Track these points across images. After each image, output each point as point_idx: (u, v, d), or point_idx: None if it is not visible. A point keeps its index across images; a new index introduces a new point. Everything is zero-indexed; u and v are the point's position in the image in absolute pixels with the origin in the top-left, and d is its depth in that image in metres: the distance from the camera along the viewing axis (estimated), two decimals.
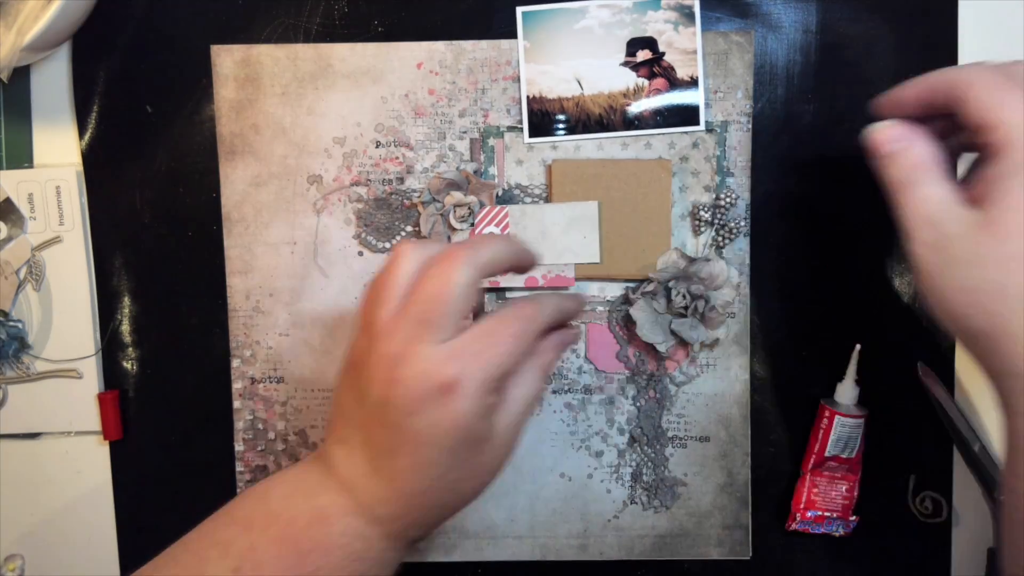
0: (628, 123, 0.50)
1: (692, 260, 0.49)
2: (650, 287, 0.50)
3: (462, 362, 0.35)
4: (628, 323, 0.52)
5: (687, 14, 0.50)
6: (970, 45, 0.52)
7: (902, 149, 0.38)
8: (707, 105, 0.51)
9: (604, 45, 0.50)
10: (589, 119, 0.50)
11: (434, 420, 0.35)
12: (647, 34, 0.50)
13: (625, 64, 0.50)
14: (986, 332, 0.34)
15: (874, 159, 0.40)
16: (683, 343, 0.51)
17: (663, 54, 0.50)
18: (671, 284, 0.50)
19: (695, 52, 0.50)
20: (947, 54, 0.52)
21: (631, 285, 0.52)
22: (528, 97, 0.51)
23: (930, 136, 0.39)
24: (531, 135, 0.51)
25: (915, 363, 0.52)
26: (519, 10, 0.50)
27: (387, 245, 0.53)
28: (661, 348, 0.51)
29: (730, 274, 0.51)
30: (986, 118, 0.35)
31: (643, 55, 0.50)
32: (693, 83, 0.50)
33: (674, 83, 0.50)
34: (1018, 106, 0.34)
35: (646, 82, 0.50)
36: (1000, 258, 0.33)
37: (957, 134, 0.40)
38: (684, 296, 0.49)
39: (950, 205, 0.36)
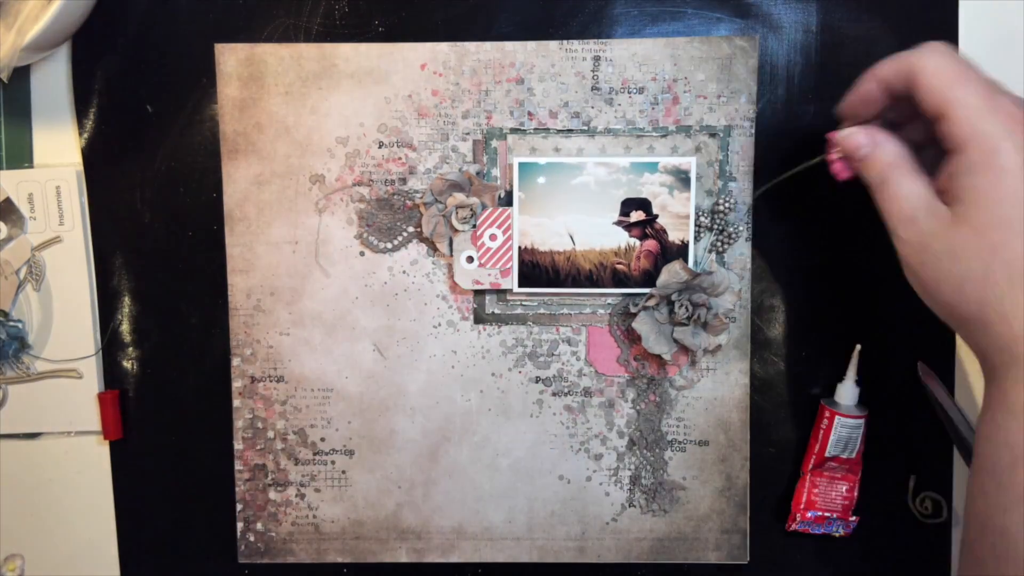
0: (618, 281, 0.51)
1: (695, 274, 0.49)
2: (651, 301, 0.50)
3: None
4: (629, 327, 0.52)
5: (683, 179, 0.50)
6: (970, 45, 0.52)
7: (872, 151, 0.41)
8: (710, 110, 0.51)
9: (599, 202, 0.51)
10: (579, 274, 0.51)
11: None
12: (642, 195, 0.51)
13: (618, 223, 0.51)
14: (976, 317, 0.36)
15: (847, 162, 0.43)
16: (685, 348, 0.51)
17: (656, 216, 0.51)
18: (673, 296, 0.50)
19: (688, 217, 0.51)
20: None
21: (632, 298, 0.52)
22: (520, 248, 0.51)
23: (894, 136, 0.41)
24: (520, 285, 0.52)
25: (915, 363, 0.53)
26: (515, 160, 0.51)
27: (389, 245, 0.53)
28: (667, 357, 0.51)
29: (731, 281, 0.51)
30: (941, 109, 0.36)
31: (637, 216, 0.51)
32: (684, 248, 0.51)
33: (665, 246, 0.51)
34: (970, 100, 0.36)
35: (638, 243, 0.51)
36: (978, 250, 0.35)
37: (917, 120, 0.41)
38: (687, 308, 0.50)
39: (924, 201, 0.38)
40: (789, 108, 0.52)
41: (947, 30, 0.52)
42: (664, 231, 0.51)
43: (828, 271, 0.53)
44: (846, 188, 0.53)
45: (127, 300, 0.54)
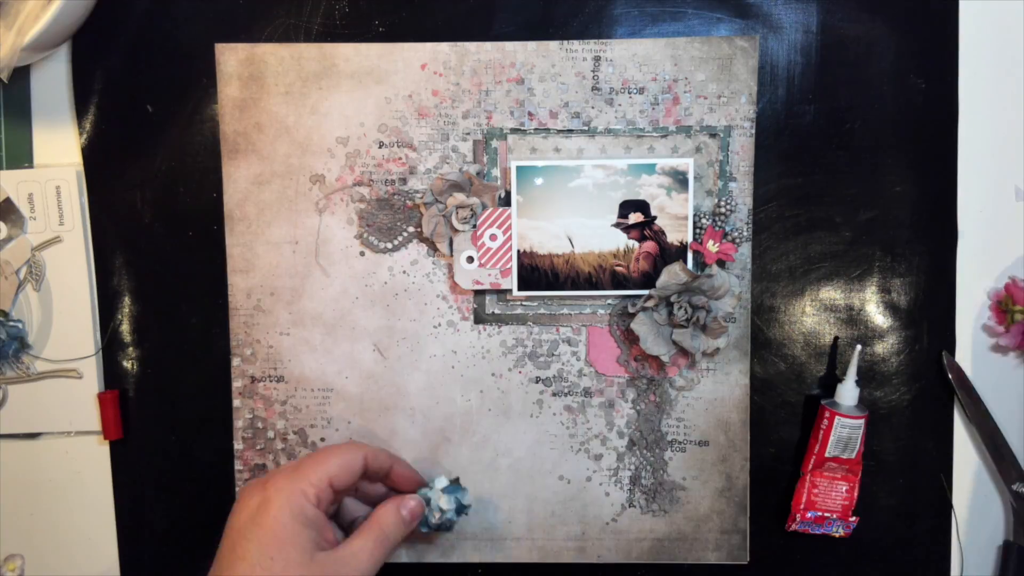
0: (617, 283, 0.51)
1: (695, 276, 0.49)
2: (650, 302, 0.50)
3: None
4: (628, 327, 0.52)
5: (681, 180, 0.50)
6: (970, 45, 0.52)
7: None
8: (710, 110, 0.51)
9: (597, 205, 0.51)
10: (579, 277, 0.51)
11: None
12: (640, 197, 0.51)
13: (617, 225, 0.51)
14: None
15: None
16: (684, 350, 0.51)
17: (655, 218, 0.51)
18: (672, 298, 0.50)
19: (686, 218, 0.51)
20: (947, 54, 0.52)
21: (631, 298, 0.52)
22: (519, 252, 0.51)
23: None
24: (520, 288, 0.51)
25: (914, 364, 0.53)
26: (513, 164, 0.51)
27: (389, 245, 0.53)
28: (665, 359, 0.51)
29: (731, 283, 0.51)
30: None
31: (635, 218, 0.51)
32: (683, 249, 0.51)
33: (664, 248, 0.51)
34: None
35: (636, 244, 0.51)
36: None
37: None
38: (686, 310, 0.50)
39: None
40: (789, 108, 0.52)
41: (947, 30, 0.52)
42: (663, 232, 0.51)
43: (828, 272, 0.53)
44: (846, 187, 0.53)
45: (127, 300, 0.54)
